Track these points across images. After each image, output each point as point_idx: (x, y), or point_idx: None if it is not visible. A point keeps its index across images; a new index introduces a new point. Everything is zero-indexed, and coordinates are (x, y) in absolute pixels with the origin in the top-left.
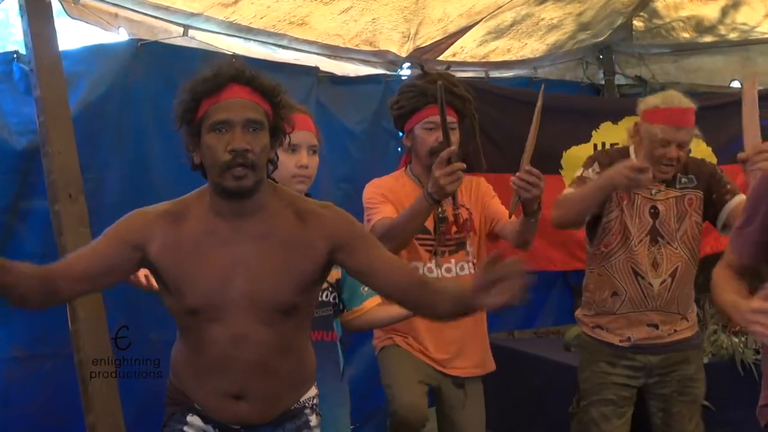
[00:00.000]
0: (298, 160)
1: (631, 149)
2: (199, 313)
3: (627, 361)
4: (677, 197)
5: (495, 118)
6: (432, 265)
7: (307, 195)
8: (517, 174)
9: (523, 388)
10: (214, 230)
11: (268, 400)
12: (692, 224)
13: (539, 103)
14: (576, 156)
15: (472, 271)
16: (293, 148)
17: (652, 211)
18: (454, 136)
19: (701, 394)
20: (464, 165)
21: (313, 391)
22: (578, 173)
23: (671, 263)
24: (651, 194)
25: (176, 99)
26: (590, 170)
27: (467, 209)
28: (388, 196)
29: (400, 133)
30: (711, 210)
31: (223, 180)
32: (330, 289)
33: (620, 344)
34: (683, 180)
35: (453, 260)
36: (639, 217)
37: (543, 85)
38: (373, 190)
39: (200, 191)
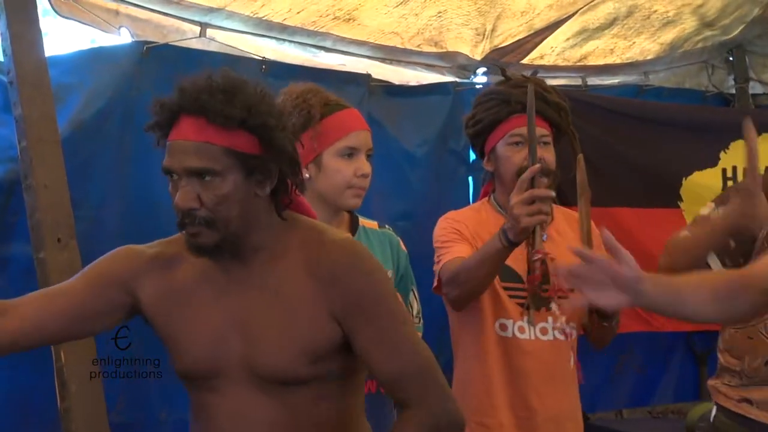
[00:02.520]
0: (358, 168)
1: None
2: (194, 380)
3: None
4: None
5: (595, 137)
6: (524, 323)
7: (355, 216)
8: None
9: None
10: (210, 278)
11: None
12: None
13: (580, 174)
14: (700, 184)
15: (562, 336)
16: (350, 153)
17: None
18: (547, 153)
19: None
20: (551, 192)
21: None
22: (703, 211)
23: None
24: None
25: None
26: (720, 210)
27: (550, 257)
28: (464, 232)
29: (473, 156)
30: None
31: (186, 237)
32: None
33: None
34: None
35: (551, 318)
36: None
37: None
38: (446, 224)
39: None
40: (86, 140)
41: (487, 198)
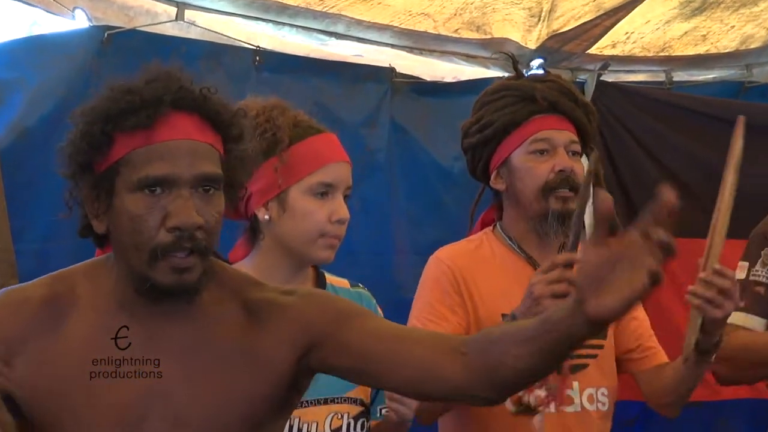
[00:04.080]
0: (334, 211)
1: None
2: None
3: None
4: None
5: (682, 149)
6: (541, 392)
7: (321, 272)
8: (701, 276)
9: None
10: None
11: None
12: None
13: (737, 144)
14: None
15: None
16: (324, 191)
17: None
18: (576, 164)
19: None
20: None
21: None
22: (739, 275)
23: None
24: None
25: (73, 125)
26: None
27: None
28: (461, 289)
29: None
30: None
31: (155, 272)
32: (362, 412)
33: None
34: None
35: (577, 383)
36: None
37: (741, 118)
38: (438, 275)
39: (95, 263)
40: (31, 152)
41: (490, 228)
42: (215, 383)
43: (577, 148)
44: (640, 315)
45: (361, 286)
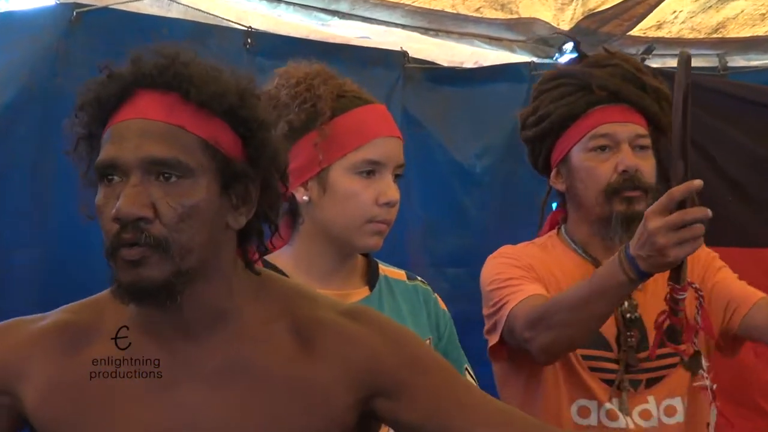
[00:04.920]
0: (382, 192)
1: None
2: None
3: None
4: None
5: (738, 144)
6: (613, 406)
7: (373, 261)
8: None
9: None
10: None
11: None
12: None
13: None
14: None
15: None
16: (371, 169)
17: None
18: (644, 161)
19: None
20: (707, 212)
21: None
22: None
23: None
24: None
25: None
26: None
27: (699, 293)
28: (537, 271)
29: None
30: None
31: (115, 269)
32: None
33: None
34: None
35: (653, 397)
36: None
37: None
38: (505, 261)
39: None
40: None
41: (555, 231)
42: (256, 414)
43: (646, 142)
44: (720, 276)
45: (419, 279)
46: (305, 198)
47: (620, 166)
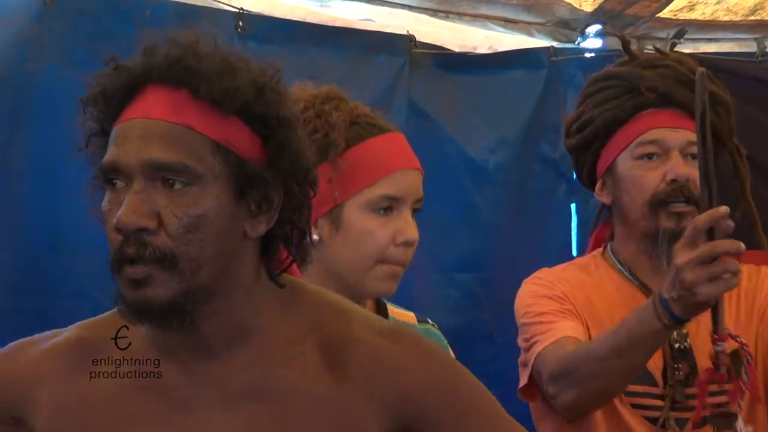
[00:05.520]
0: (400, 230)
1: None
2: None
3: None
4: None
5: None
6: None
7: (382, 302)
8: None
9: None
10: (157, 383)
11: None
12: None
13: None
14: None
15: None
16: (389, 206)
17: None
18: (696, 172)
19: None
20: (741, 245)
21: None
22: None
23: None
24: None
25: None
26: None
27: (744, 347)
28: (573, 300)
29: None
30: None
31: (120, 287)
32: None
33: None
34: None
35: None
36: None
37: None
38: (538, 290)
39: None
40: None
41: (600, 250)
42: None
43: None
44: None
45: (430, 322)
46: (316, 237)
47: (669, 175)
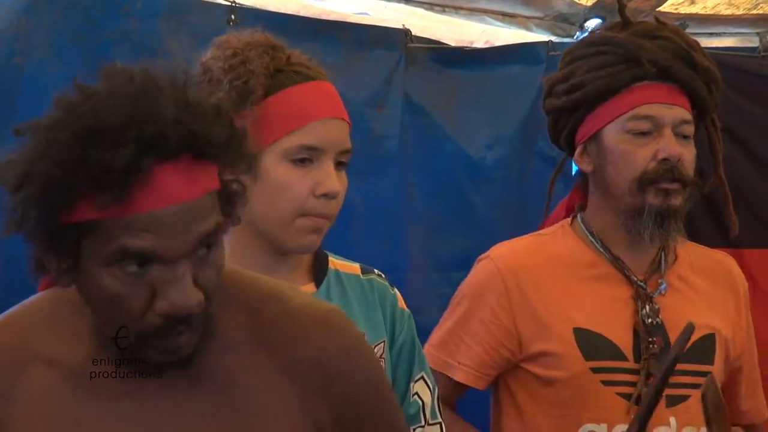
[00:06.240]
0: (319, 182)
1: None
2: None
3: None
4: None
5: None
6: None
7: (322, 254)
8: None
9: None
10: (97, 385)
11: None
12: None
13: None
14: None
15: None
16: (306, 156)
17: None
18: (686, 150)
19: None
20: None
21: None
22: None
23: None
24: None
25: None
26: None
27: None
28: (512, 305)
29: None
30: None
31: (143, 351)
32: None
33: None
34: None
35: (675, 419)
36: None
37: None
38: (481, 279)
39: (52, 302)
40: None
41: (568, 220)
42: (218, 427)
43: (690, 130)
44: (746, 332)
45: (376, 272)
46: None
47: (661, 154)
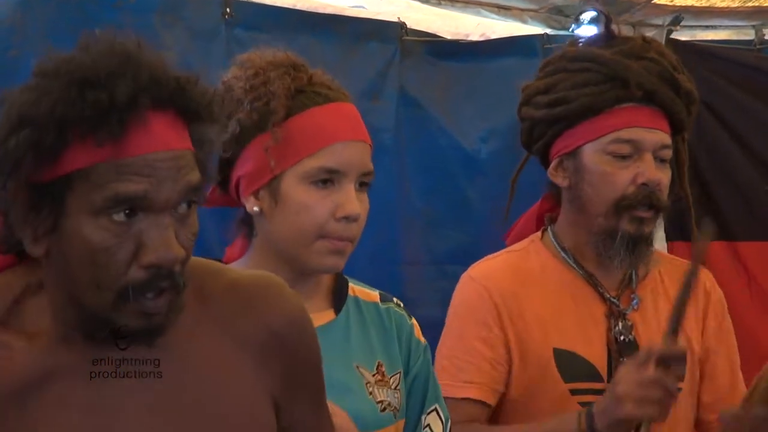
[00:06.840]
0: (341, 204)
1: None
2: None
3: None
4: None
5: None
6: None
7: (343, 279)
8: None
9: None
10: (63, 376)
11: None
12: None
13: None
14: None
15: None
16: (327, 178)
17: None
18: (664, 175)
19: None
20: (676, 390)
21: None
22: None
23: None
24: None
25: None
26: None
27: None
28: (503, 320)
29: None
30: None
31: (119, 315)
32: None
33: None
34: None
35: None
36: None
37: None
38: (469, 298)
39: (3, 286)
40: None
41: (538, 234)
42: (180, 407)
43: (668, 154)
44: (722, 337)
45: (394, 301)
46: (256, 209)
47: (640, 178)
